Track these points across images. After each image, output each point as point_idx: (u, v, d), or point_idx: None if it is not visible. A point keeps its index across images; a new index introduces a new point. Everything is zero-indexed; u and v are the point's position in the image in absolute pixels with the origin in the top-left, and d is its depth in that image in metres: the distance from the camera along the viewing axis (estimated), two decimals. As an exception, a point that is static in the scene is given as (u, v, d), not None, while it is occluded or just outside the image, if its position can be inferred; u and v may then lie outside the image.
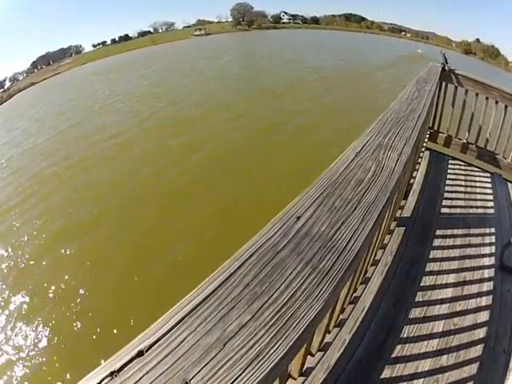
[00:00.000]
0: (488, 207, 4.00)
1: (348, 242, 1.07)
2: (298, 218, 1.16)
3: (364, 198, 1.32)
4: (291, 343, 0.79)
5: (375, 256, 2.95)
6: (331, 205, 1.25)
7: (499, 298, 2.76)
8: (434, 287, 2.81)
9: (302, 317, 0.84)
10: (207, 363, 0.74)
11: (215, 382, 0.71)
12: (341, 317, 2.42)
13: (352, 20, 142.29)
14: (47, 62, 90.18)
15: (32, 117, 29.49)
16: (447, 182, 4.46)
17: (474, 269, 3.03)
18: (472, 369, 2.20)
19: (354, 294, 2.61)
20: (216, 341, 0.78)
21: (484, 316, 2.59)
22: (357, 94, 23.16)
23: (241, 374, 0.72)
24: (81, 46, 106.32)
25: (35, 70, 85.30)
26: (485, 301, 2.73)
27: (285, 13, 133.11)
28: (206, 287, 0.89)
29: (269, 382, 0.78)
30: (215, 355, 0.75)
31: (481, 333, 2.46)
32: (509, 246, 3.11)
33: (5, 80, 76.69)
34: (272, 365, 0.75)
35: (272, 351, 0.77)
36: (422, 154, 4.90)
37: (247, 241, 1.05)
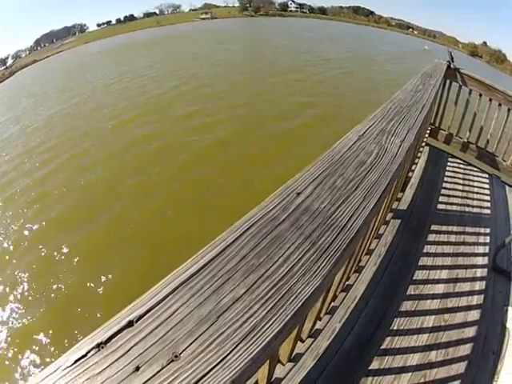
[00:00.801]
0: (484, 207, 4.00)
1: (349, 220, 1.06)
2: (298, 194, 1.14)
3: (366, 179, 1.31)
4: (287, 319, 0.77)
5: (370, 245, 2.95)
6: (332, 183, 1.24)
7: (490, 298, 2.76)
8: (426, 282, 2.82)
9: (299, 292, 0.82)
10: (199, 336, 0.71)
11: (206, 356, 0.68)
12: (332, 304, 2.42)
13: (360, 13, 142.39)
14: (51, 40, 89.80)
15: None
16: (445, 178, 4.46)
17: (466, 267, 3.04)
18: (460, 367, 2.21)
19: (347, 282, 2.61)
20: (209, 313, 0.76)
21: (474, 315, 2.59)
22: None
23: (233, 349, 0.70)
24: (85, 24, 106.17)
25: (38, 48, 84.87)
26: (476, 300, 2.73)
27: (292, 1, 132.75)
28: (200, 258, 0.86)
29: (261, 360, 0.76)
30: (207, 328, 0.73)
31: (470, 331, 2.46)
32: (503, 248, 3.12)
33: (7, 57, 76.28)
34: (267, 340, 0.73)
35: (267, 326, 0.75)
36: (421, 149, 4.92)
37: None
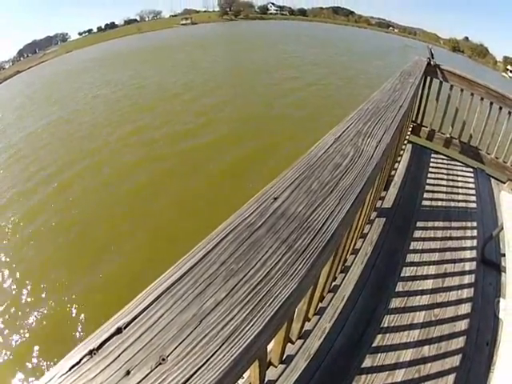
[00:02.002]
0: (470, 201, 4.06)
1: (324, 223, 1.08)
2: (275, 198, 1.17)
3: (341, 182, 1.33)
4: (266, 320, 0.80)
5: (355, 245, 2.98)
6: (308, 187, 1.26)
7: (481, 291, 2.80)
8: (414, 278, 2.85)
9: (277, 294, 0.85)
10: (183, 340, 0.74)
11: (192, 357, 0.71)
12: (320, 305, 2.44)
13: (340, 13, 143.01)
14: (33, 49, 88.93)
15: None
16: (429, 175, 4.52)
17: (455, 261, 3.07)
18: (454, 360, 2.23)
19: (334, 283, 2.63)
20: (192, 318, 0.78)
21: (465, 308, 2.63)
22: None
23: (217, 351, 0.73)
24: (67, 34, 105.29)
25: (21, 59, 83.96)
26: (466, 293, 2.77)
27: (272, 4, 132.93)
28: (182, 265, 0.89)
29: (247, 361, 0.79)
30: (191, 332, 0.76)
31: (462, 325, 2.49)
32: (490, 240, 3.16)
33: (-9, 69, 75.40)
34: (248, 341, 0.76)
35: (248, 328, 0.78)
36: (404, 147, 4.96)
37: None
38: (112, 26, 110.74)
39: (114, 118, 19.69)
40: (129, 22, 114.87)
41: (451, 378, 2.13)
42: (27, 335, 6.76)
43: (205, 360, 0.72)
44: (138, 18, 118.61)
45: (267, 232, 1.00)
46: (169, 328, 0.76)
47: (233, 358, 0.73)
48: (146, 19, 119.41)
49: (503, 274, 2.89)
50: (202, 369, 0.70)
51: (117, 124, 18.40)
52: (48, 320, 7.00)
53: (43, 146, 17.22)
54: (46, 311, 7.22)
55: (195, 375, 0.69)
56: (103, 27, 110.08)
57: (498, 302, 2.68)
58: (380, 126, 1.96)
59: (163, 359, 0.70)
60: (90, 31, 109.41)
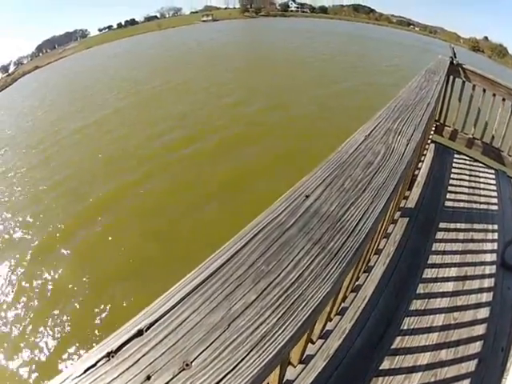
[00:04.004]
0: (491, 203, 3.98)
1: (358, 223, 1.05)
2: (307, 196, 1.13)
3: (374, 180, 1.30)
4: (299, 325, 0.76)
5: (378, 245, 2.93)
6: (340, 185, 1.23)
7: (500, 295, 2.75)
8: (435, 280, 2.80)
9: (310, 298, 0.81)
10: (210, 344, 0.71)
11: (218, 364, 0.68)
12: (342, 305, 2.41)
13: (360, 11, 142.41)
14: (52, 45, 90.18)
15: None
16: (452, 175, 4.43)
17: (475, 264, 3.02)
18: (470, 365, 2.19)
19: (356, 283, 2.60)
20: (220, 320, 0.75)
21: (484, 312, 2.58)
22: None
23: (245, 357, 0.70)
24: (86, 30, 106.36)
25: (40, 54, 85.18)
26: (485, 297, 2.71)
27: (293, 1, 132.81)
28: (209, 265, 0.86)
29: (272, 367, 0.76)
30: (219, 336, 0.72)
31: (480, 329, 2.44)
32: (510, 244, 3.11)
33: (9, 64, 76.51)
34: (279, 347, 0.72)
35: (279, 333, 0.74)
36: (427, 146, 4.88)
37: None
38: (132, 22, 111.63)
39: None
40: (149, 18, 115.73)
41: (466, 383, 2.09)
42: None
43: (232, 366, 0.68)
44: (159, 15, 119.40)
45: (299, 232, 0.96)
46: (195, 331, 0.73)
47: (263, 364, 0.69)
48: (167, 16, 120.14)
49: None
50: (229, 376, 0.67)
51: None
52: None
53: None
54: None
55: (221, 382, 0.65)
56: (123, 24, 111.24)
57: None
58: (409, 124, 1.94)
59: (187, 364, 0.67)
60: (109, 27, 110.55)
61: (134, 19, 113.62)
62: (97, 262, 7.91)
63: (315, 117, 15.81)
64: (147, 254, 7.86)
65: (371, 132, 1.77)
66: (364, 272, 2.71)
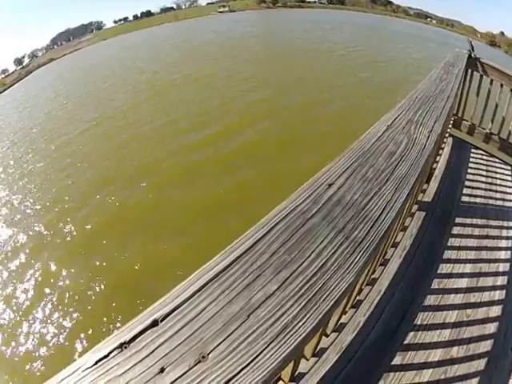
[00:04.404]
0: (507, 200, 3.94)
1: (381, 213, 1.03)
2: (330, 185, 1.11)
3: (396, 170, 1.28)
4: (321, 316, 0.74)
5: (395, 238, 2.91)
6: (363, 174, 1.21)
7: (511, 293, 2.73)
8: (450, 275, 2.79)
9: (333, 288, 0.79)
10: (228, 335, 0.69)
11: (236, 356, 0.66)
12: (357, 298, 2.40)
13: (378, 3, 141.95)
14: (67, 38, 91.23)
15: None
16: (469, 170, 4.41)
17: (490, 261, 3.00)
18: (480, 364, 2.17)
19: (373, 276, 2.59)
20: (240, 311, 0.73)
21: (496, 310, 2.56)
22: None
23: (264, 349, 0.67)
24: (102, 22, 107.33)
25: (55, 47, 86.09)
26: (498, 295, 2.70)
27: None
28: (229, 253, 0.83)
29: (290, 360, 0.73)
30: (238, 327, 0.70)
31: (492, 327, 2.43)
32: None
33: (23, 57, 77.36)
34: (299, 339, 0.70)
35: (300, 324, 0.72)
36: (445, 140, 4.86)
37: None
38: (148, 14, 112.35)
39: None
40: (165, 10, 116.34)
41: (475, 381, 2.08)
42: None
43: (251, 359, 0.66)
44: (175, 6, 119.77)
45: (322, 220, 0.94)
46: (213, 321, 0.71)
47: (282, 357, 0.67)
48: (183, 7, 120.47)
49: None
50: (247, 368, 0.65)
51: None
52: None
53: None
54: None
55: (238, 375, 0.63)
56: (139, 15, 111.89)
57: None
58: (430, 116, 1.92)
59: (203, 357, 0.65)
60: (125, 19, 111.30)
61: (149, 11, 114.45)
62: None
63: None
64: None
65: (393, 122, 1.76)
66: (380, 265, 2.70)
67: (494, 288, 2.73)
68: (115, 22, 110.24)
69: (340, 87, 19.48)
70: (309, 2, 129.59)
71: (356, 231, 0.93)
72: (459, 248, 3.06)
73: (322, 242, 0.87)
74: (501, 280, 2.81)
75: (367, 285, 2.51)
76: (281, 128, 13.92)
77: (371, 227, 0.96)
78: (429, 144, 1.59)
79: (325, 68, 24.29)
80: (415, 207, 3.40)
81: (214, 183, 10.15)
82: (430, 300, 2.54)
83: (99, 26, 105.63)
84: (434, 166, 4.12)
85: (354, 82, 20.71)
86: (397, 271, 2.70)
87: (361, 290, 2.40)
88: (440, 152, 4.44)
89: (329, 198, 1.04)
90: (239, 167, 10.83)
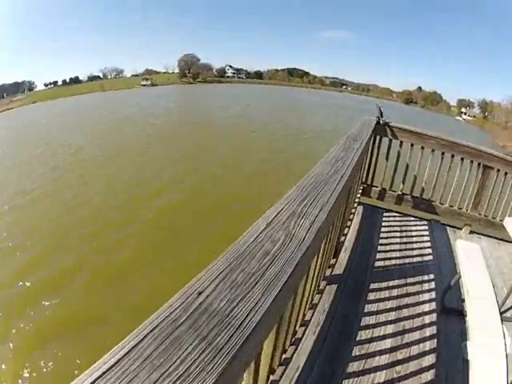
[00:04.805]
0: (426, 254, 4.13)
1: (245, 318, 1.08)
2: (200, 293, 1.16)
3: (268, 271, 1.29)
4: None
5: (304, 317, 2.90)
6: (233, 280, 1.23)
7: (444, 340, 2.83)
8: (370, 340, 2.83)
9: None
10: None
11: None
12: (272, 378, 2.32)
13: (294, 75, 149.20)
14: (1, 94, 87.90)
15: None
16: (381, 234, 4.55)
17: (413, 317, 3.09)
18: None
19: (284, 356, 2.53)
20: None
21: (430, 360, 2.63)
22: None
23: None
24: (34, 82, 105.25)
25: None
26: (429, 345, 2.79)
27: (230, 66, 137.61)
28: (108, 359, 0.91)
29: None
30: None
31: (428, 376, 2.50)
32: (450, 289, 3.19)
33: None
34: None
35: None
36: (354, 210, 4.97)
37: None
38: (76, 80, 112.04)
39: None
40: (92, 78, 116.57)
41: None
42: None
43: None
44: (101, 75, 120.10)
45: (189, 328, 1.02)
46: None
47: None
48: (109, 77, 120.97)
49: (466, 318, 2.80)
50: None
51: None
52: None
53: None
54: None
55: None
56: (68, 81, 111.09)
57: (465, 345, 2.70)
58: (316, 204, 1.84)
59: None
60: (55, 83, 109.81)
61: (77, 77, 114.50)
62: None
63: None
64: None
65: (274, 218, 1.66)
66: (292, 344, 2.67)
67: (423, 340, 2.84)
68: (45, 85, 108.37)
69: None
70: (228, 77, 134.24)
71: (218, 338, 0.99)
72: (377, 312, 3.14)
73: (186, 348, 0.95)
74: (429, 331, 2.94)
75: (280, 365, 2.46)
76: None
77: (233, 333, 1.01)
78: (308, 236, 1.56)
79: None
80: (323, 283, 3.42)
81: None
82: (353, 367, 2.56)
83: (31, 86, 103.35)
84: (343, 238, 4.22)
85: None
86: (312, 347, 2.69)
87: (274, 371, 2.35)
88: (348, 224, 4.57)
89: (198, 306, 1.09)
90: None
